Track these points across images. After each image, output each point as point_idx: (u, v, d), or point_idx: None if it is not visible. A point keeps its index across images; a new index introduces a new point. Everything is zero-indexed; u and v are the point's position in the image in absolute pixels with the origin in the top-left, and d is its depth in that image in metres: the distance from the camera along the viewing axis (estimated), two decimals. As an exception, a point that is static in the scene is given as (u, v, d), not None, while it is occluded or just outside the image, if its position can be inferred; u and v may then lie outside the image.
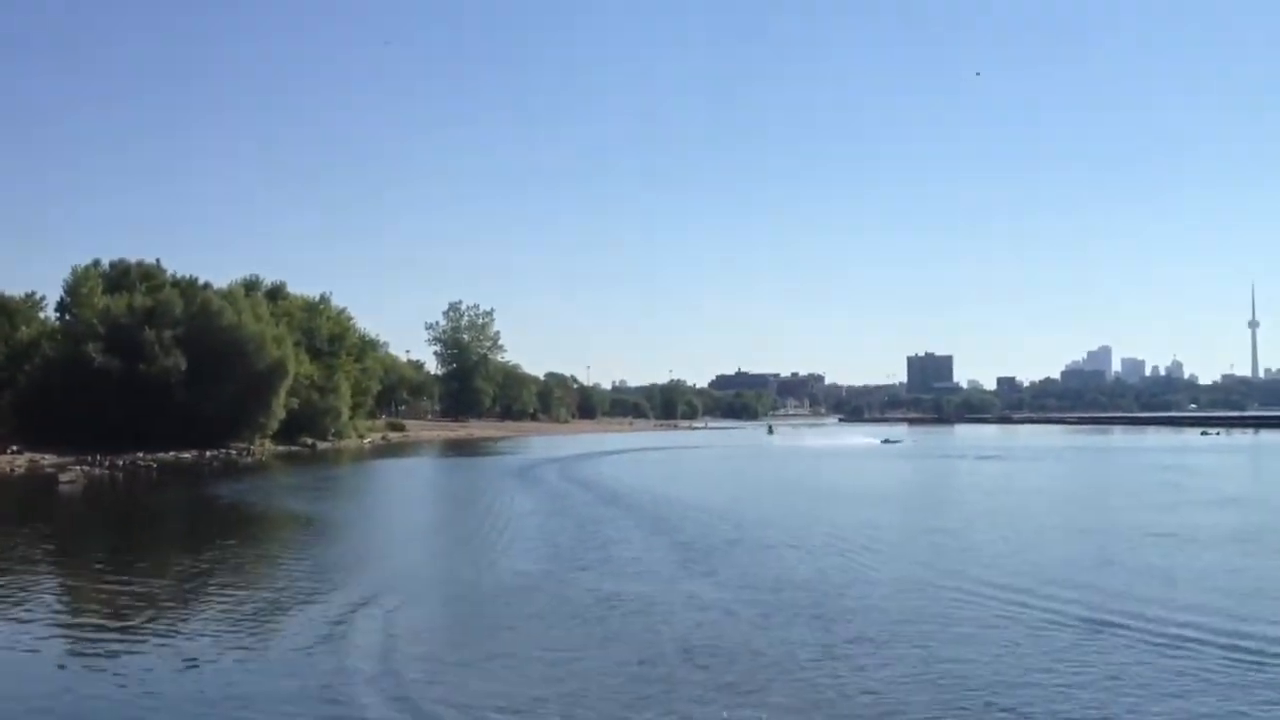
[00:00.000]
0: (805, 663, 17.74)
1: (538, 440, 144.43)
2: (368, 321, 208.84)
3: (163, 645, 19.59)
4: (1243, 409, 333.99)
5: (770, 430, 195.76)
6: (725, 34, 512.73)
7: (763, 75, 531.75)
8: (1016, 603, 22.56)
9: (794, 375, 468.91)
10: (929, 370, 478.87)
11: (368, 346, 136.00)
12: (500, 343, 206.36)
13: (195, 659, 18.39)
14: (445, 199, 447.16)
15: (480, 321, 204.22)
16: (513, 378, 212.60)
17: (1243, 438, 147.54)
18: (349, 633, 20.18)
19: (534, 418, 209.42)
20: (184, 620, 22.12)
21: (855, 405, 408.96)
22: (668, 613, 21.77)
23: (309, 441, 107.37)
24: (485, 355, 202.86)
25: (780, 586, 24.82)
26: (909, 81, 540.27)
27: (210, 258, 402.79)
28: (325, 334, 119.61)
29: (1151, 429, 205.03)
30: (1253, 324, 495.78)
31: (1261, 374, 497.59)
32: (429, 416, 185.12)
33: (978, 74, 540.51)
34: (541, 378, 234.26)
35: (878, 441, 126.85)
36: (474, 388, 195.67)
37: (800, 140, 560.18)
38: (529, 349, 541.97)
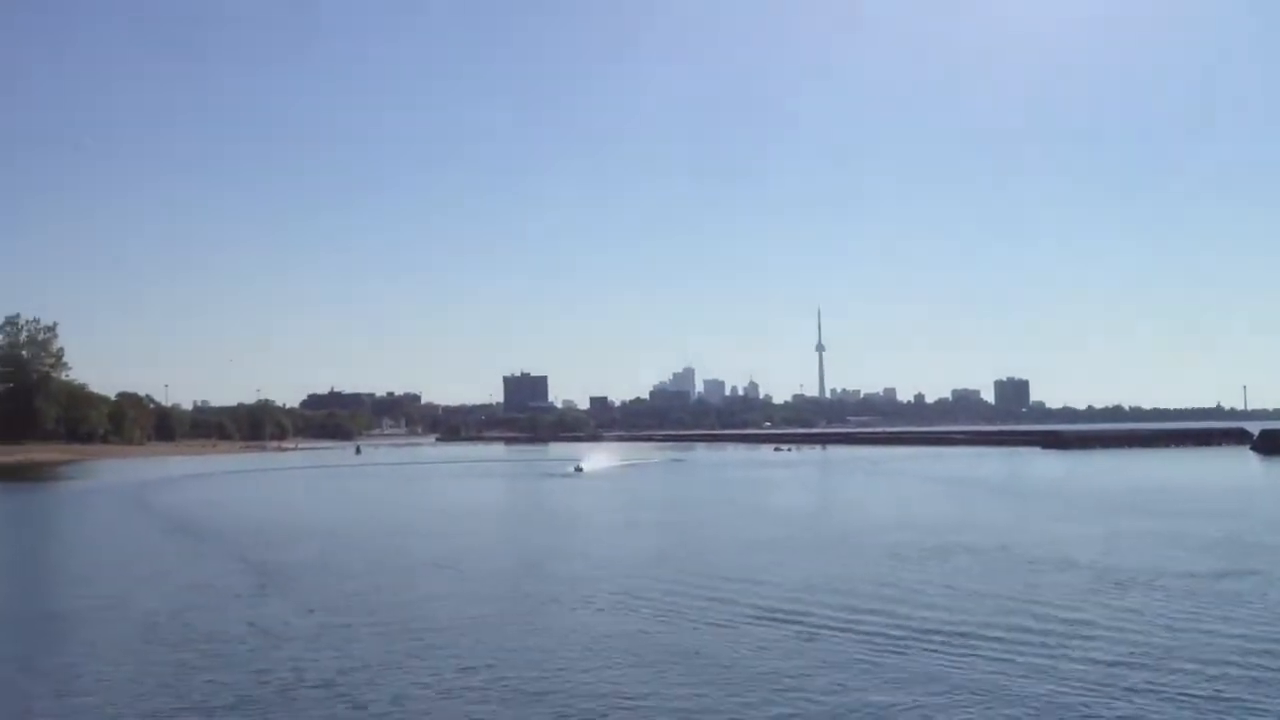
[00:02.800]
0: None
1: (106, 466, 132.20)
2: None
3: None
4: (812, 425, 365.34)
5: (358, 451, 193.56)
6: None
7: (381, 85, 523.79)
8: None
9: (390, 395, 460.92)
10: (525, 390, 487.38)
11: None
12: (65, 360, 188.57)
13: None
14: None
15: (41, 337, 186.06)
16: (79, 397, 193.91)
17: (811, 453, 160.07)
18: None
19: (105, 441, 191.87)
20: None
21: (452, 424, 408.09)
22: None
23: None
24: (47, 373, 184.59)
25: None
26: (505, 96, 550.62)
27: None
28: None
29: (730, 445, 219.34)
30: (819, 348, 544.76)
31: (828, 394, 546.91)
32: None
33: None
34: (113, 397, 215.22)
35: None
36: (34, 408, 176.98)
37: (397, 155, 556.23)
38: (99, 366, 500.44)
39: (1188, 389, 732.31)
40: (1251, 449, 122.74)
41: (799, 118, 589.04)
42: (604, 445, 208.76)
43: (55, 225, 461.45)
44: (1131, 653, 18.55)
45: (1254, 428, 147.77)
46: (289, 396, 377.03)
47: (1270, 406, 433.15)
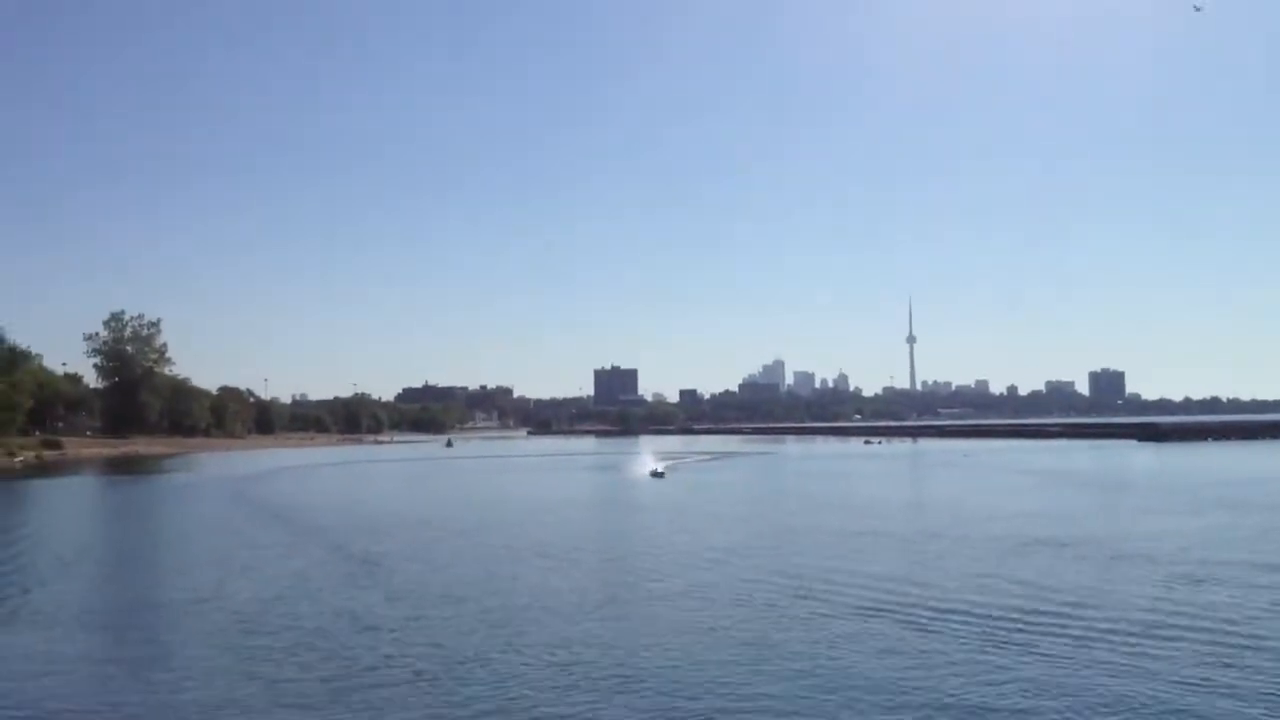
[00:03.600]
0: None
1: (208, 458, 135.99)
2: (18, 333, 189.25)
3: None
4: (902, 419, 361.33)
5: (449, 444, 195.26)
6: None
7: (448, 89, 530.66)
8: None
9: (483, 388, 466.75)
10: (615, 383, 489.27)
11: (17, 359, 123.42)
12: (168, 354, 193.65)
13: None
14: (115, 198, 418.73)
15: (145, 332, 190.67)
16: (182, 391, 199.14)
17: (901, 446, 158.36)
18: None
19: (206, 433, 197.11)
20: None
21: (544, 418, 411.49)
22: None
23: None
24: (151, 368, 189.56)
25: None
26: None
27: None
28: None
29: (820, 438, 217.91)
30: (910, 339, 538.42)
31: (919, 386, 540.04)
32: (88, 433, 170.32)
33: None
34: (215, 391, 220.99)
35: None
36: (139, 402, 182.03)
37: (481, 153, 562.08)
38: (204, 361, 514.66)
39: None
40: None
41: (882, 101, 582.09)
42: (688, 438, 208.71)
43: (161, 227, 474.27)
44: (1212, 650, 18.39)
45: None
46: (385, 390, 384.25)
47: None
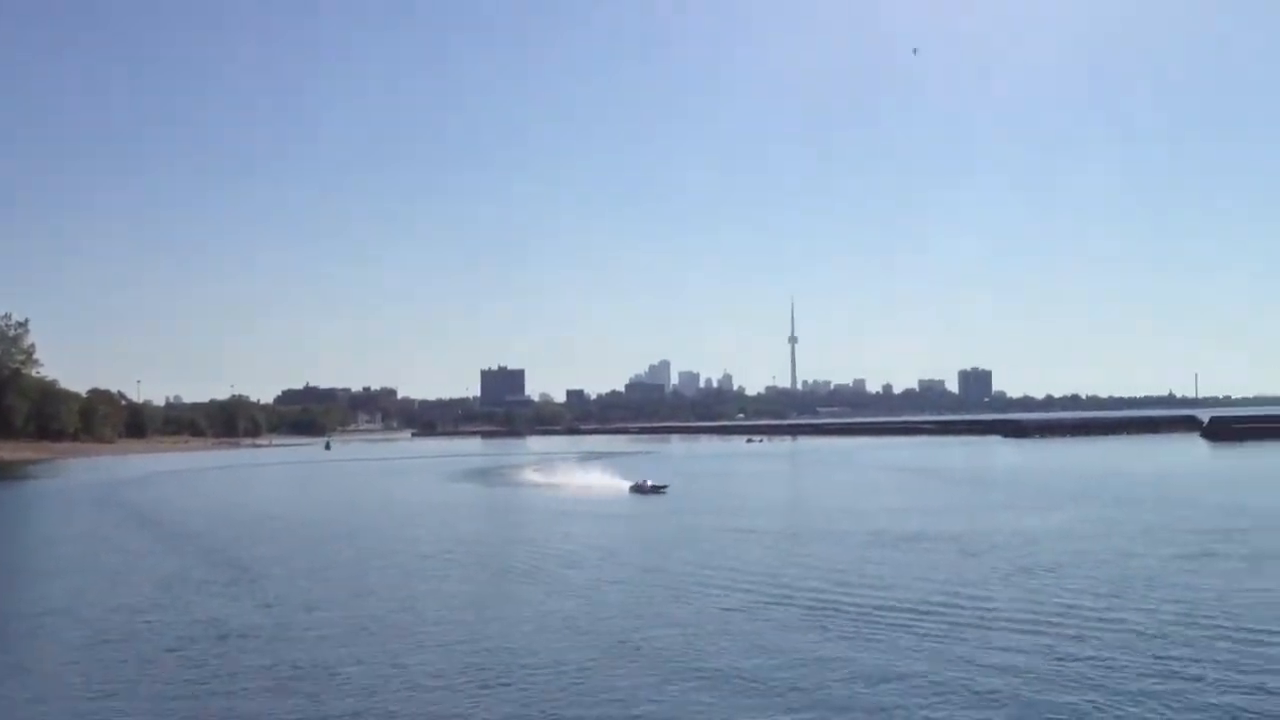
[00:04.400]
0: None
1: (76, 464, 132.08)
2: None
3: None
4: (784, 417, 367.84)
5: (327, 447, 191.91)
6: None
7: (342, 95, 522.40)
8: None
9: (366, 390, 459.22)
10: (502, 384, 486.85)
11: None
12: (35, 355, 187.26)
13: None
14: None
15: (12, 333, 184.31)
16: (51, 394, 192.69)
17: (782, 444, 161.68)
18: None
19: (75, 438, 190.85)
20: None
21: (429, 419, 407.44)
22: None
23: None
24: (18, 369, 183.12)
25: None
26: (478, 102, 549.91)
27: None
28: None
29: (704, 437, 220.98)
30: (792, 340, 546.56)
31: (800, 386, 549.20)
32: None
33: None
34: (84, 394, 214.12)
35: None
36: (5, 405, 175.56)
37: (371, 149, 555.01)
38: (72, 362, 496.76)
39: (1142, 378, 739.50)
40: (1201, 435, 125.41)
41: (769, 108, 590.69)
42: (576, 438, 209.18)
43: (25, 222, 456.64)
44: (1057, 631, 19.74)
45: (1204, 415, 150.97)
46: (263, 392, 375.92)
47: (1220, 394, 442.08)
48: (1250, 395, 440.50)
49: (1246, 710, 15.08)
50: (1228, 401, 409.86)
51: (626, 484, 62.03)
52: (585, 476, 74.40)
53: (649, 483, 59.95)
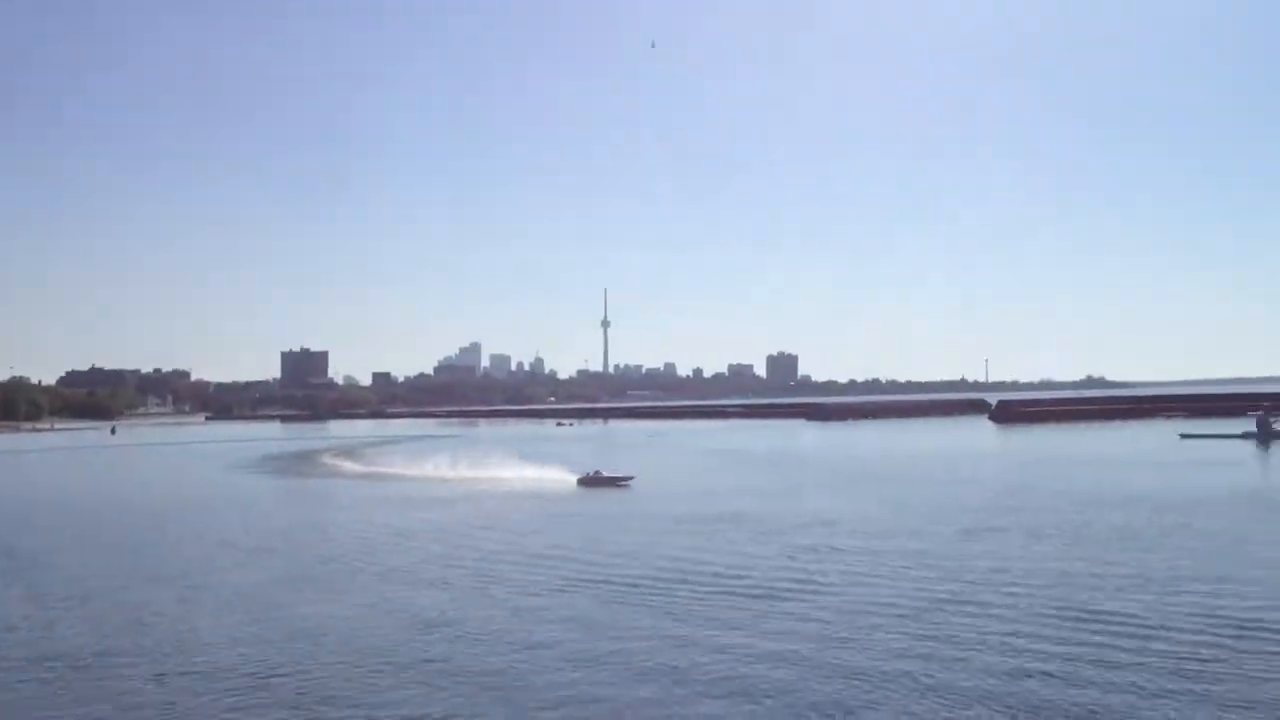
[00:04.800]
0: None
1: None
2: None
3: None
4: (595, 400, 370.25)
5: (113, 431, 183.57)
6: None
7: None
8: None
9: (157, 371, 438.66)
10: (304, 366, 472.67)
11: None
12: None
13: None
14: None
15: None
16: None
17: (592, 427, 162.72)
18: None
19: None
20: None
21: (225, 402, 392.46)
22: None
23: None
24: None
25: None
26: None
27: None
28: None
29: (514, 420, 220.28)
30: (605, 324, 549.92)
31: (612, 369, 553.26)
32: None
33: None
34: None
35: None
36: None
37: (171, 116, 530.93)
38: None
39: (937, 364, 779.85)
40: (989, 419, 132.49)
41: (594, 96, 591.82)
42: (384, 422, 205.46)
43: None
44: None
45: (992, 399, 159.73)
46: (45, 373, 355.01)
47: (1008, 379, 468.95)
48: (1035, 380, 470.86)
49: (1004, 676, 15.71)
50: (1015, 386, 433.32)
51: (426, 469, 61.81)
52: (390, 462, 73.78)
53: (602, 473, 52.75)
